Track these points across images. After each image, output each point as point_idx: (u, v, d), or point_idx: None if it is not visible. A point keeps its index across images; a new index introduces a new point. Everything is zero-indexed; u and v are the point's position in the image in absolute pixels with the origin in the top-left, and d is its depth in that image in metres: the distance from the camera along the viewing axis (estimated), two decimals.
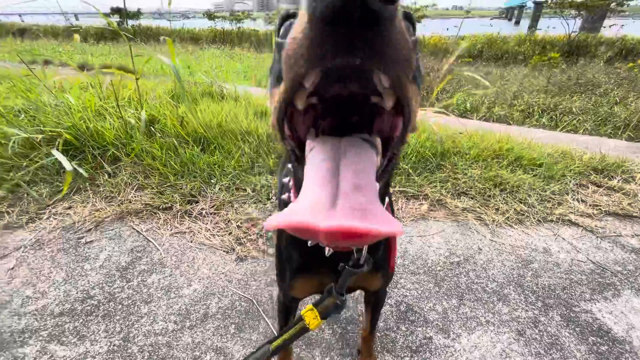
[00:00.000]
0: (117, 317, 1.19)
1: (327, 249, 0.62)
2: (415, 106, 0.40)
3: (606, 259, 1.48)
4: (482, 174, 2.00)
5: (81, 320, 1.18)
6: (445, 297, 1.28)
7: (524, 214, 1.76)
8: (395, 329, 1.16)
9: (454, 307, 1.24)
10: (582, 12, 11.43)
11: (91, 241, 1.57)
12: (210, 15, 15.29)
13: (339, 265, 0.65)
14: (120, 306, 1.23)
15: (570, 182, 1.98)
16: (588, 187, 1.96)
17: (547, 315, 1.21)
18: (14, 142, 1.92)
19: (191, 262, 1.45)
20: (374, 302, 0.92)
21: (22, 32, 12.45)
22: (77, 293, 1.29)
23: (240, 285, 1.34)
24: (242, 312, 1.22)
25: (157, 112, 2.39)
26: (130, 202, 1.82)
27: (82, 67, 5.26)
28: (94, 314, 1.20)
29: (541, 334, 1.14)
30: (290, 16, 0.41)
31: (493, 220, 1.71)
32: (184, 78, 3.27)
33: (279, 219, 0.29)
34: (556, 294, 1.30)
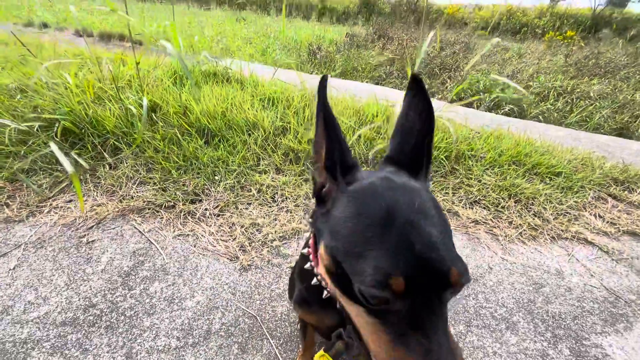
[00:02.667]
0: (120, 330, 1.18)
1: (324, 292, 0.63)
2: None
3: (620, 285, 1.44)
4: (497, 182, 1.92)
5: (84, 332, 1.17)
6: (453, 322, 1.26)
7: (537, 229, 1.70)
8: None
9: (460, 334, 1.22)
10: None
11: (93, 241, 1.54)
12: None
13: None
14: (122, 317, 1.22)
15: (588, 194, 1.90)
16: (607, 201, 1.88)
17: (555, 348, 1.19)
18: (10, 130, 1.84)
19: (194, 270, 1.42)
20: None
21: None
22: (79, 300, 1.28)
23: (244, 298, 1.31)
24: (246, 330, 1.20)
25: (158, 97, 2.27)
26: (132, 198, 1.77)
27: (79, 33, 5.01)
28: (97, 325, 1.19)
29: None
30: None
31: (506, 236, 1.65)
32: (188, 54, 3.09)
33: None
34: (566, 324, 1.27)
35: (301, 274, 0.74)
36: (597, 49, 6.68)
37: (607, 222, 1.75)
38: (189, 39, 4.45)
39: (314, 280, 0.64)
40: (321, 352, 0.73)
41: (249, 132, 2.12)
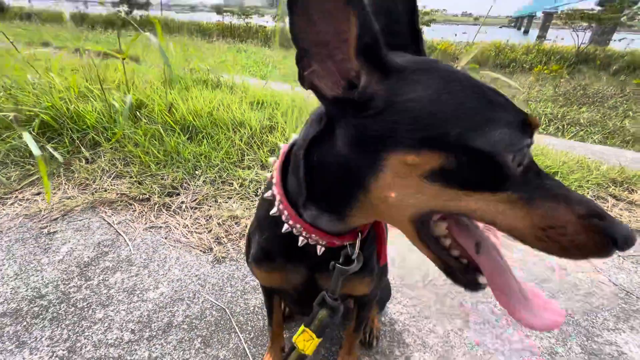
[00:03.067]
0: (67, 322, 1.03)
1: (300, 239, 0.52)
2: None
3: (630, 281, 1.32)
4: None
5: (25, 324, 1.02)
6: (448, 316, 1.12)
7: None
8: (387, 352, 0.99)
9: (457, 330, 1.07)
10: (592, 25, 11.28)
11: (55, 232, 1.41)
12: (218, 9, 15.20)
13: (313, 261, 0.57)
14: (72, 309, 1.07)
15: (587, 194, 1.81)
16: (607, 200, 1.79)
17: (565, 345, 1.04)
18: None
19: (162, 261, 1.29)
20: (361, 303, 0.80)
21: (28, 16, 12.33)
22: (26, 291, 1.13)
23: (214, 291, 1.17)
24: (212, 323, 1.05)
25: (145, 96, 2.24)
26: (105, 190, 1.66)
27: (77, 50, 5.11)
28: (41, 316, 1.04)
29: None
30: None
31: None
32: (181, 65, 3.12)
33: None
34: (575, 320, 1.13)
35: (262, 225, 0.62)
36: (583, 81, 6.95)
37: None
38: (186, 59, 4.53)
39: (284, 228, 0.52)
40: (302, 327, 0.60)
41: (235, 130, 2.07)
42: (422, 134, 0.37)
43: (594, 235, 0.35)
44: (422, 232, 0.43)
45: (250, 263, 0.66)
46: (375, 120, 0.39)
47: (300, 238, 0.52)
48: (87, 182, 1.72)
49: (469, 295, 1.20)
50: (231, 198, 1.65)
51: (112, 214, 1.53)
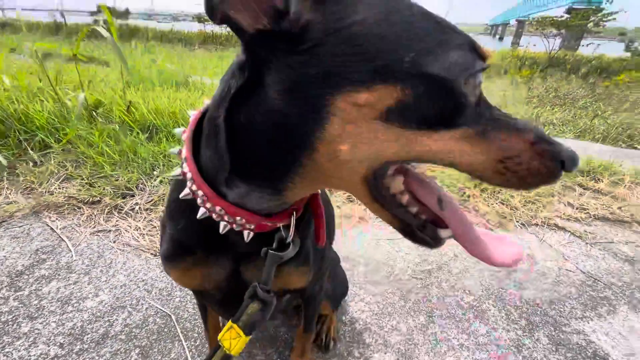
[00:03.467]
0: None
1: (222, 224, 0.44)
2: None
3: (598, 268, 1.29)
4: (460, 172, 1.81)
5: None
6: (412, 313, 1.06)
7: (505, 217, 1.57)
8: (345, 354, 0.92)
9: (421, 327, 1.01)
10: (562, 31, 11.80)
11: None
12: (200, 19, 15.11)
13: (238, 252, 0.51)
14: None
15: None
16: (575, 190, 1.80)
17: (532, 336, 0.99)
18: None
19: (107, 267, 1.18)
20: (305, 299, 0.73)
21: (3, 25, 11.88)
22: None
23: (161, 296, 1.07)
24: (155, 331, 0.95)
25: (103, 96, 2.12)
26: (51, 194, 1.53)
27: (45, 55, 4.91)
28: None
29: None
30: None
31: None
32: (146, 65, 3.01)
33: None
34: (542, 310, 1.09)
35: (173, 212, 0.52)
36: (555, 83, 7.23)
37: (577, 208, 1.65)
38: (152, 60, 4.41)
39: (201, 212, 0.43)
40: (229, 324, 0.51)
41: None
42: (373, 64, 0.31)
43: (545, 161, 0.35)
44: (376, 190, 0.38)
45: (163, 261, 0.55)
46: (314, 56, 0.32)
47: (222, 223, 0.43)
48: (33, 186, 1.59)
49: (435, 290, 1.15)
50: None
51: (57, 219, 1.41)
